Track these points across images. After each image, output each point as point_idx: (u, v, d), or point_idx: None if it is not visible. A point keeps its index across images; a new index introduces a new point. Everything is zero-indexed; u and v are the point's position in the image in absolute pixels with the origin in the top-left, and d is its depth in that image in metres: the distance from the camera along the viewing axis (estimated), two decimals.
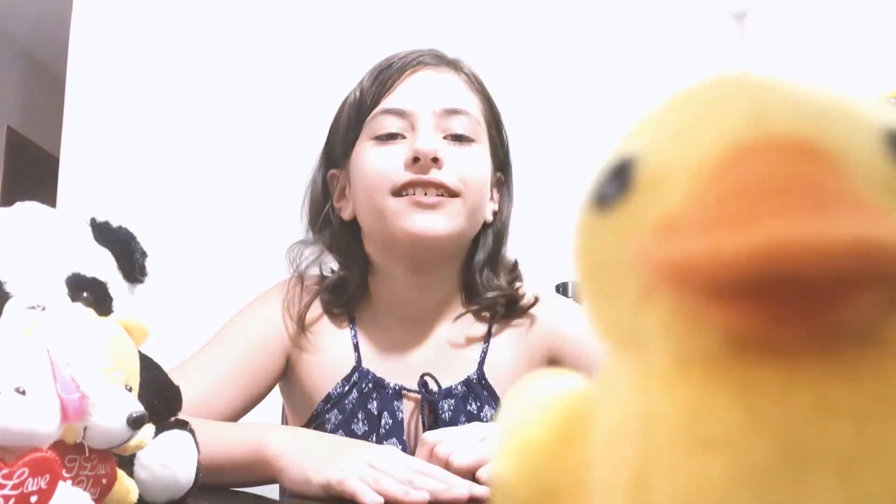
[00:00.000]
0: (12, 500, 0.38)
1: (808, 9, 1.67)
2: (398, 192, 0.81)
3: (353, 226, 0.89)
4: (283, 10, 1.95)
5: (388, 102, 0.85)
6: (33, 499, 0.39)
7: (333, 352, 0.89)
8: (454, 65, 0.90)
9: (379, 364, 0.88)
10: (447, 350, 0.89)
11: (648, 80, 1.69)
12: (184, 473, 0.56)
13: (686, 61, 1.67)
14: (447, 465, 0.68)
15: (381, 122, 0.84)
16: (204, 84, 1.93)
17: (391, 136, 0.84)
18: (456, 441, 0.70)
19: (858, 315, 0.16)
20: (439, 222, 0.81)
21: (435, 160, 0.81)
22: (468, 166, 0.83)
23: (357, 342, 0.89)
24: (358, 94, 0.88)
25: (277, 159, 1.82)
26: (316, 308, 0.90)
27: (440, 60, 0.89)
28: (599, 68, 1.89)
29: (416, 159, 0.80)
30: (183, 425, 0.58)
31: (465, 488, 0.64)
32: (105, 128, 1.93)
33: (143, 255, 0.59)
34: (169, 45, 1.94)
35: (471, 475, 0.68)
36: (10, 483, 0.38)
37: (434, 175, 0.81)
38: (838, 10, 1.69)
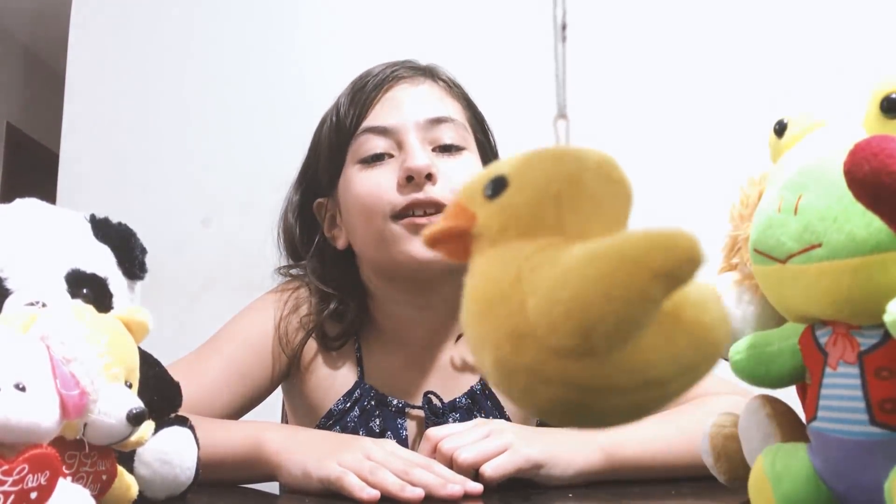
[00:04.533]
0: (12, 497, 0.38)
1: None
2: (397, 216, 0.79)
3: (347, 253, 0.87)
4: (283, 10, 1.95)
5: (369, 122, 0.82)
6: (33, 495, 0.39)
7: (337, 366, 0.88)
8: (430, 73, 0.88)
9: (382, 381, 0.87)
10: (450, 369, 0.88)
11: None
12: (184, 470, 0.56)
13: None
14: (452, 461, 0.68)
15: (365, 144, 0.82)
16: (204, 81, 1.92)
17: (377, 158, 0.81)
18: (461, 437, 0.70)
19: None
20: None
21: (429, 176, 0.79)
22: (461, 179, 0.80)
23: (360, 356, 0.88)
24: (335, 117, 0.85)
25: (278, 158, 1.81)
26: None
27: (415, 71, 0.86)
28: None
29: (409, 178, 0.78)
30: (183, 422, 0.58)
31: (459, 486, 0.64)
32: (105, 124, 1.92)
33: (143, 251, 0.59)
34: (168, 41, 1.94)
35: (474, 471, 0.68)
36: (10, 479, 0.38)
37: (429, 192, 0.79)
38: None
